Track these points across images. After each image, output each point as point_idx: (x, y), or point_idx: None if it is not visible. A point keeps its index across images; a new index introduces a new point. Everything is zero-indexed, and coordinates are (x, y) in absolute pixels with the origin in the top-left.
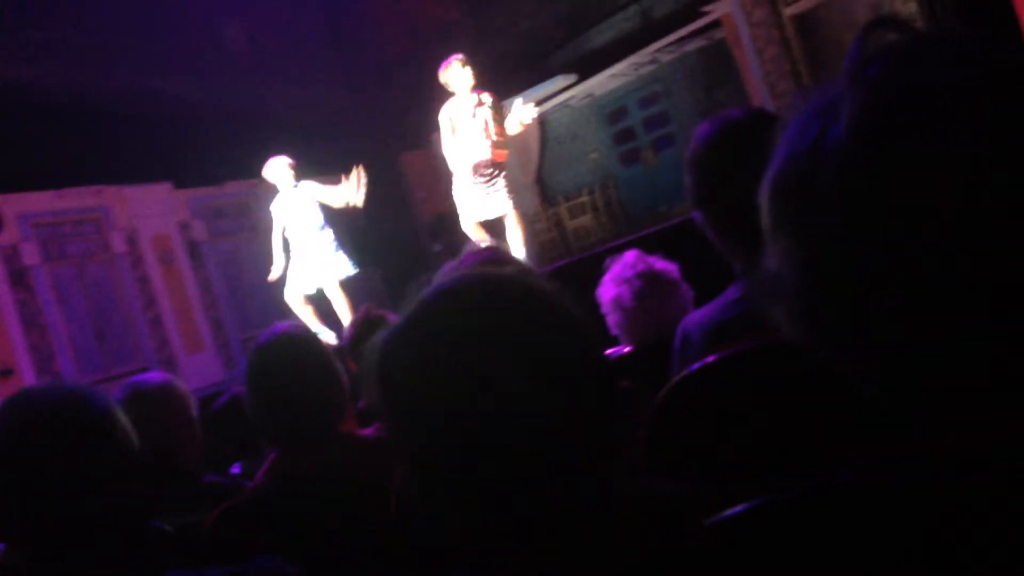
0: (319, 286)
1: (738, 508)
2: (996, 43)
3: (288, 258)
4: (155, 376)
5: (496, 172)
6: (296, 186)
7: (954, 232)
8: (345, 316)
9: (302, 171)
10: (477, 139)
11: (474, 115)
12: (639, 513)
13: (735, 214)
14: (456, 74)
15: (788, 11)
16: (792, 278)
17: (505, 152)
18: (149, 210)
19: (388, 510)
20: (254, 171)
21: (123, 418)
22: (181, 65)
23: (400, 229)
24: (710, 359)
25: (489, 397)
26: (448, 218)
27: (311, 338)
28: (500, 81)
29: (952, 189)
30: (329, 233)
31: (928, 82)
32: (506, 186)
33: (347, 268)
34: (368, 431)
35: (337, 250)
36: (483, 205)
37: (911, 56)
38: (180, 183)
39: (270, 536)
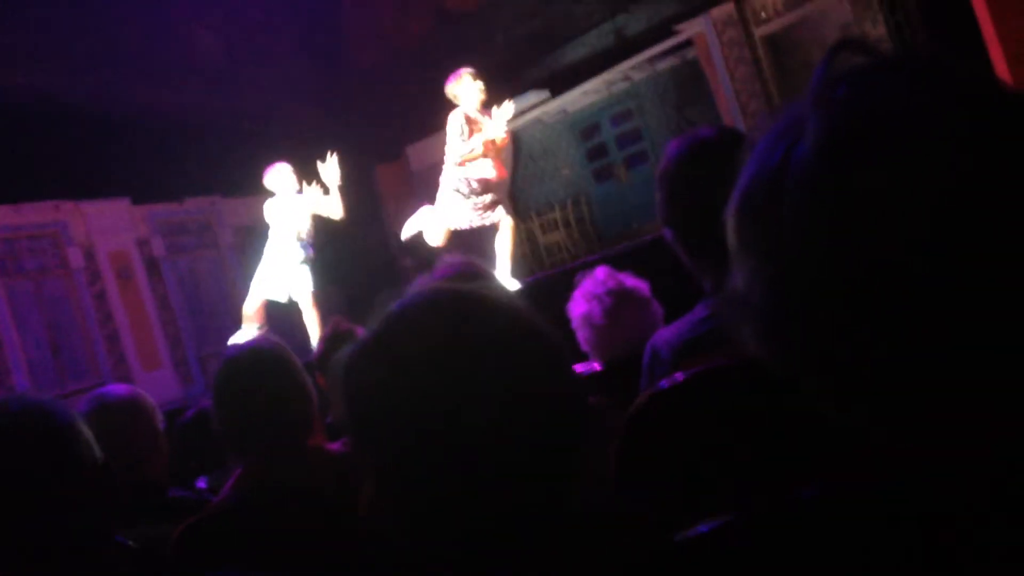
0: (291, 298)
1: (706, 525)
2: (960, 67)
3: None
4: (120, 388)
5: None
6: (300, 192)
7: (914, 253)
8: (314, 330)
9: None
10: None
11: (481, 130)
12: (607, 530)
13: (704, 232)
14: (466, 88)
15: (759, 31)
16: (757, 296)
17: (505, 171)
18: (107, 226)
19: (355, 525)
20: (215, 187)
21: (86, 431)
22: (153, 74)
23: (371, 242)
24: (679, 376)
25: (455, 412)
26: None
27: (280, 351)
28: None
29: (913, 211)
30: (309, 248)
31: (892, 105)
32: (503, 197)
33: (309, 284)
34: (336, 445)
35: (305, 264)
36: (471, 215)
37: (876, 79)
38: (139, 199)
39: (235, 551)
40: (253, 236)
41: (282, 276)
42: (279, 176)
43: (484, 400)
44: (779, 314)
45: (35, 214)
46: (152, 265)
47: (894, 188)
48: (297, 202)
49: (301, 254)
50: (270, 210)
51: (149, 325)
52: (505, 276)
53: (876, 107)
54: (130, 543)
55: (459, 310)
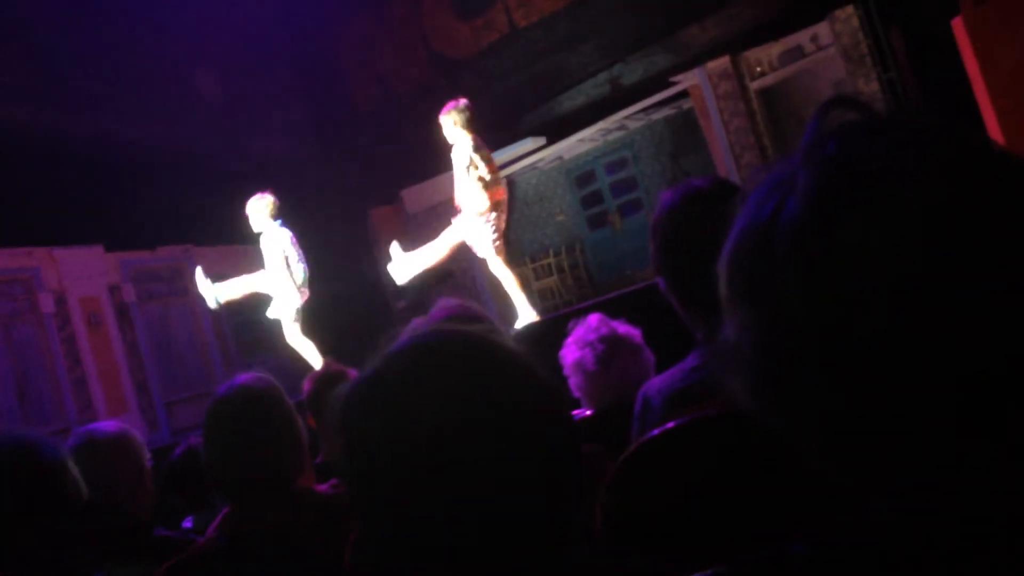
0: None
1: None
2: (949, 126)
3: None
4: (109, 425)
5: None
6: (279, 224)
7: (900, 310)
8: (309, 351)
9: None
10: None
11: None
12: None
13: (696, 282)
14: (466, 116)
15: (754, 84)
16: (747, 347)
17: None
18: (80, 272)
19: (342, 567)
20: (188, 235)
21: (73, 468)
22: (149, 114)
23: (365, 284)
24: (669, 425)
25: (450, 455)
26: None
27: (271, 391)
28: None
29: (897, 268)
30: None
31: (879, 164)
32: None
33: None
34: (325, 487)
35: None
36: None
37: (865, 137)
38: (112, 246)
39: None
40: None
41: (280, 297)
42: (256, 208)
43: (479, 443)
44: (768, 366)
45: (8, 260)
46: (122, 311)
47: (879, 245)
48: (276, 234)
49: (300, 275)
50: (263, 242)
51: (117, 371)
52: (524, 309)
53: (864, 166)
54: None
55: (457, 352)
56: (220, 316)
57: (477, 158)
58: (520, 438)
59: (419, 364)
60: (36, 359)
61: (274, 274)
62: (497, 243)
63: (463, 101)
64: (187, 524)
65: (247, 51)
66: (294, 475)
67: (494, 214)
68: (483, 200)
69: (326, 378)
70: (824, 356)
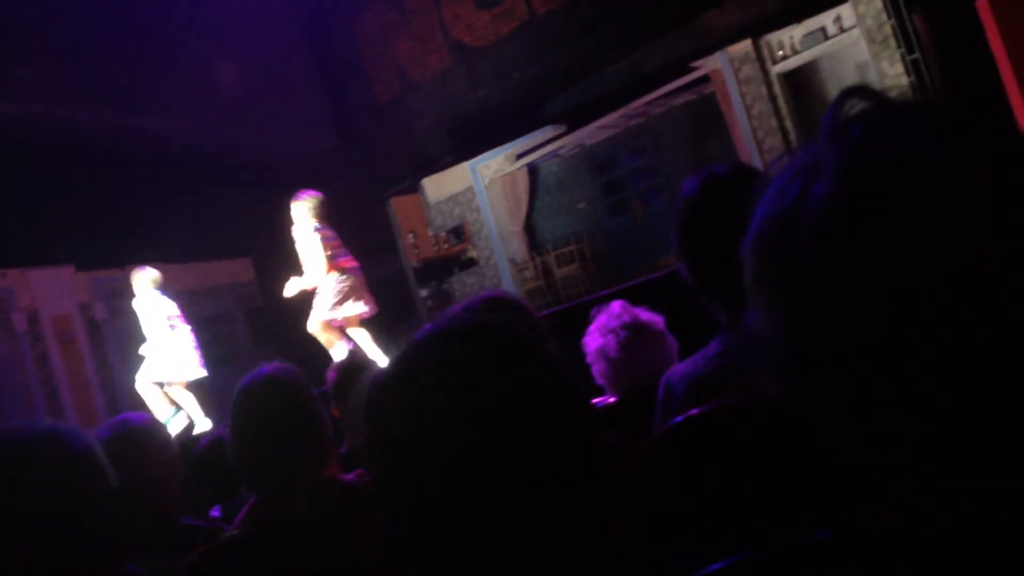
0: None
1: (716, 564)
2: (974, 112)
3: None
4: (140, 415)
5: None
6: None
7: (937, 292)
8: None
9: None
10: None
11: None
12: (619, 566)
13: (718, 268)
14: (300, 213)
15: (775, 68)
16: (774, 335)
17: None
18: (51, 291)
19: (367, 556)
20: (157, 254)
21: (102, 458)
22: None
23: (388, 274)
24: (691, 413)
25: (474, 445)
26: (436, 264)
27: (296, 381)
28: (490, 130)
29: (934, 249)
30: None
31: (907, 143)
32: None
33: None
34: (350, 477)
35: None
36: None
37: (890, 120)
38: (83, 266)
39: None
40: (195, 299)
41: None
42: (139, 279)
43: (502, 433)
44: (797, 353)
45: None
46: (94, 328)
47: (915, 225)
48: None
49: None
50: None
51: (88, 385)
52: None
53: (892, 146)
54: (141, 571)
55: (481, 342)
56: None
57: (316, 240)
58: (542, 428)
59: (443, 354)
60: (10, 375)
61: (156, 342)
62: (331, 312)
63: (317, 193)
64: (215, 513)
65: (264, 43)
66: (319, 465)
67: (336, 285)
68: (321, 271)
69: (350, 368)
70: (858, 337)
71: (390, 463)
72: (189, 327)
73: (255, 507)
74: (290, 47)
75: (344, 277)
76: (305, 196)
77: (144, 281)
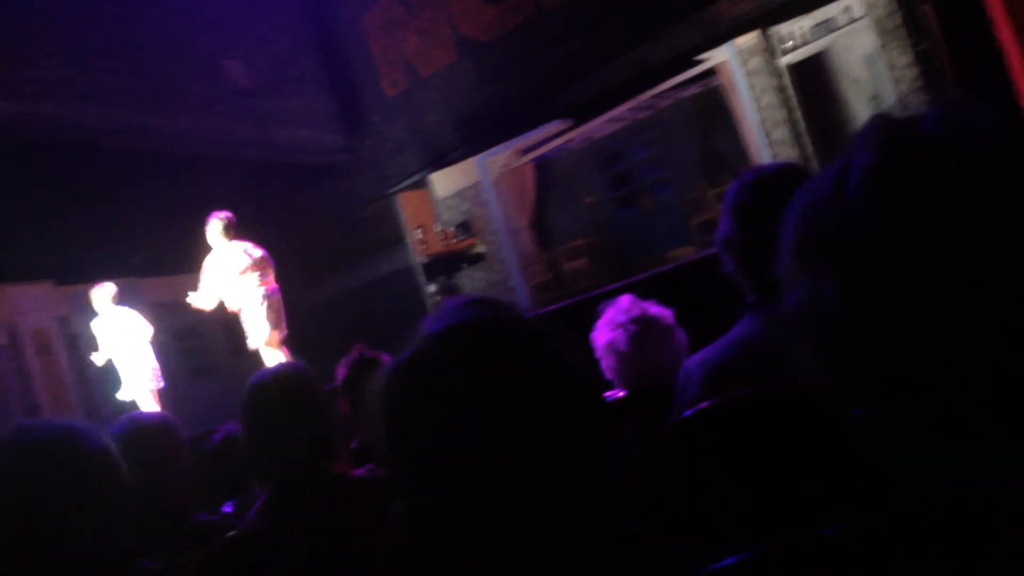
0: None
1: (728, 560)
2: (986, 114)
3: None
4: (151, 413)
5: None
6: (231, 244)
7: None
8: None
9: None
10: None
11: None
12: (630, 560)
13: (765, 249)
14: (215, 235)
15: (784, 60)
16: (824, 305)
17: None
18: (30, 306)
19: (379, 550)
20: (132, 269)
21: (115, 455)
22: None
23: (396, 269)
24: (703, 406)
25: (488, 435)
26: (445, 259)
27: (306, 377)
28: (497, 125)
29: (980, 210)
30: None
31: (946, 120)
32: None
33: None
34: (361, 472)
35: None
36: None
37: (919, 115)
38: (61, 281)
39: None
40: (171, 311)
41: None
42: (98, 295)
43: (517, 423)
44: (850, 319)
45: None
46: (72, 341)
47: (970, 182)
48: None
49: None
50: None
51: (67, 396)
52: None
53: (933, 122)
54: (154, 567)
55: (495, 333)
56: (164, 340)
57: (252, 258)
58: (557, 418)
59: (457, 345)
60: None
61: (123, 353)
62: (269, 331)
63: (225, 213)
64: (227, 509)
65: (272, 39)
66: (330, 459)
67: (265, 303)
68: (258, 291)
69: (360, 364)
70: (918, 301)
71: (407, 456)
72: (149, 337)
73: (267, 502)
74: (298, 44)
75: (273, 292)
76: (218, 216)
77: (103, 298)
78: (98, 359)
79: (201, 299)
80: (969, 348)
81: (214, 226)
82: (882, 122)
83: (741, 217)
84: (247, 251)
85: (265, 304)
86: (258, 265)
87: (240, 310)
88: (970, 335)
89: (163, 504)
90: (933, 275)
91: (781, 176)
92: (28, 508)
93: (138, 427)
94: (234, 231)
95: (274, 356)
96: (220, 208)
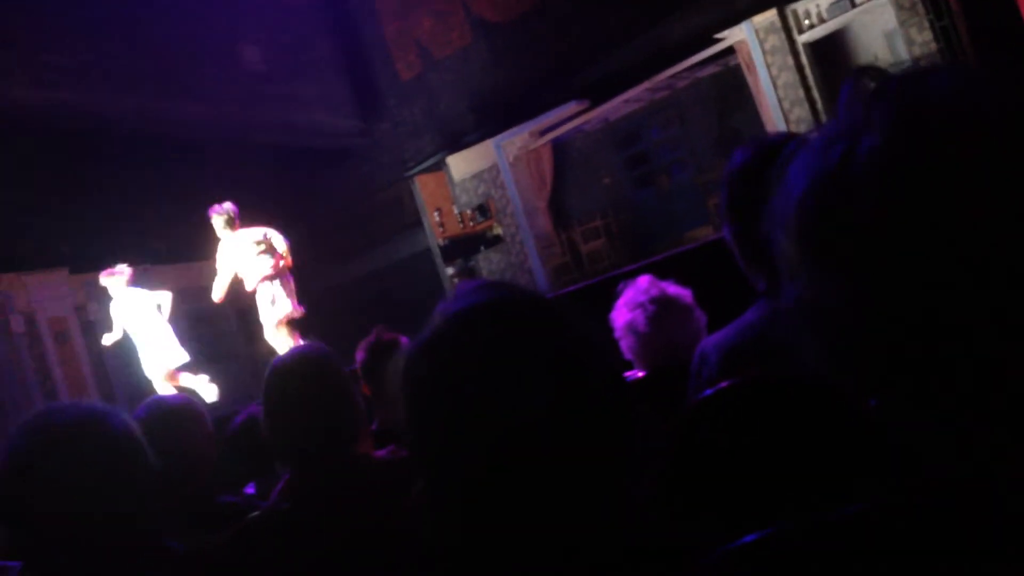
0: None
1: (749, 536)
2: (995, 75)
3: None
4: (175, 395)
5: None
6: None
7: (1000, 244)
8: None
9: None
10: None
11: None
12: (652, 536)
13: (765, 233)
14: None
15: (802, 38)
16: (830, 305)
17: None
18: (47, 294)
19: (401, 531)
20: (146, 256)
21: (141, 437)
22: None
23: (414, 252)
24: (722, 386)
25: (513, 413)
26: (462, 241)
27: (328, 358)
28: (514, 107)
29: (997, 194)
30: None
31: (950, 93)
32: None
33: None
34: (382, 453)
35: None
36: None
37: (924, 77)
38: (76, 269)
39: (284, 556)
40: (186, 298)
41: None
42: (112, 283)
43: (540, 402)
44: (858, 320)
45: None
46: (88, 328)
47: (986, 165)
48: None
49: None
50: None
51: (84, 382)
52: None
53: (937, 95)
54: (179, 547)
55: (518, 313)
56: (179, 326)
57: (275, 235)
58: (578, 397)
59: (478, 325)
60: (9, 374)
61: (141, 335)
62: (287, 311)
63: (225, 206)
64: (249, 490)
65: (288, 23)
66: (352, 441)
67: (279, 282)
68: (274, 271)
69: (379, 346)
70: (933, 297)
71: (429, 436)
72: (167, 314)
73: (290, 483)
74: (312, 28)
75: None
76: (217, 211)
77: (117, 283)
78: (108, 339)
79: (216, 291)
80: (995, 352)
81: (216, 221)
82: (886, 90)
83: (739, 199)
84: (254, 236)
85: (277, 282)
86: (268, 247)
87: (255, 292)
88: (998, 335)
89: (186, 485)
90: (954, 273)
91: (780, 150)
92: (55, 490)
93: (162, 410)
94: (237, 221)
95: (286, 339)
96: (234, 194)
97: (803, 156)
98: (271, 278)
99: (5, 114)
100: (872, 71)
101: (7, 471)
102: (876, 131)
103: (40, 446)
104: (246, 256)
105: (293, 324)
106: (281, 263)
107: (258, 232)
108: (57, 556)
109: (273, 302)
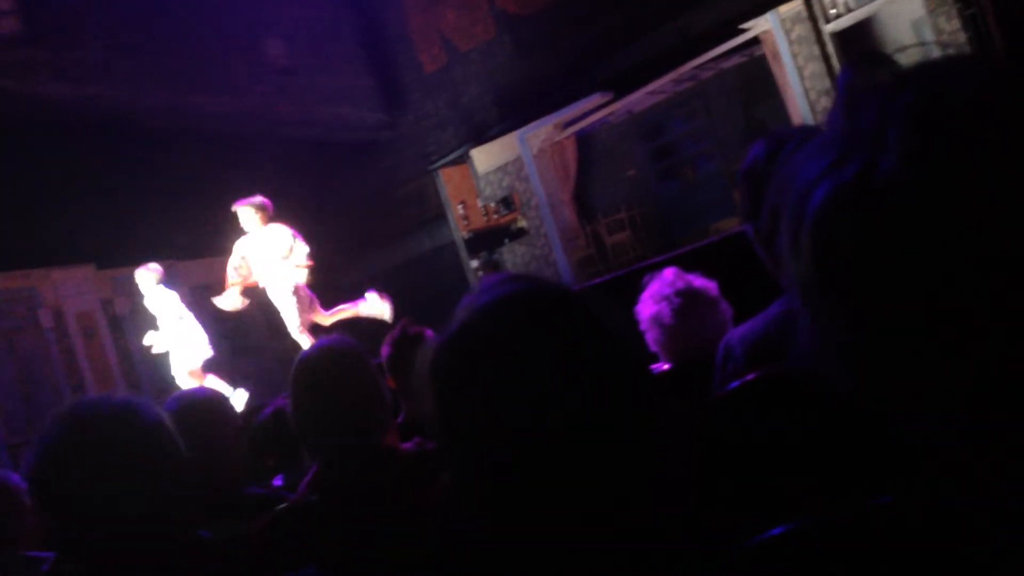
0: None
1: (777, 529)
2: (1005, 63)
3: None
4: (204, 388)
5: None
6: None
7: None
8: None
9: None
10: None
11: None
12: (682, 529)
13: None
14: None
15: (828, 27)
16: (851, 331)
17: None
18: (74, 289)
19: (427, 523)
20: (172, 252)
21: (172, 429)
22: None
23: (439, 245)
24: (748, 378)
25: (543, 405)
26: (487, 234)
27: (354, 351)
28: (538, 99)
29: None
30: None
31: (976, 101)
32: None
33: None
34: (408, 445)
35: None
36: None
37: (939, 79)
38: (103, 264)
39: (313, 547)
40: (209, 292)
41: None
42: (144, 278)
43: (568, 395)
44: (895, 349)
45: (10, 281)
46: (115, 323)
47: (1011, 180)
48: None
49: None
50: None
51: (111, 376)
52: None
53: (959, 105)
54: (210, 538)
55: (546, 305)
56: (203, 321)
57: (298, 243)
58: (607, 388)
59: (507, 316)
60: (38, 369)
61: (170, 333)
62: (304, 318)
63: (258, 198)
64: (277, 482)
65: (312, 17)
66: (379, 433)
67: (301, 293)
68: (300, 278)
69: (404, 339)
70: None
71: (458, 428)
72: (191, 313)
73: (318, 475)
74: (336, 21)
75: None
76: (251, 201)
77: (150, 279)
78: (151, 338)
79: (227, 301)
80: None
81: (247, 212)
82: (900, 99)
83: (758, 192)
84: (280, 238)
85: (300, 289)
86: (295, 250)
87: (276, 293)
88: None
89: (215, 477)
90: (979, 301)
91: (801, 142)
92: (89, 481)
93: (191, 403)
94: (268, 215)
95: (307, 340)
96: (259, 188)
97: (812, 157)
98: (291, 283)
99: (32, 110)
100: (875, 57)
101: (43, 462)
102: (893, 152)
103: (75, 437)
104: (273, 254)
105: (317, 330)
106: (303, 271)
107: (285, 234)
108: (92, 545)
109: (294, 307)
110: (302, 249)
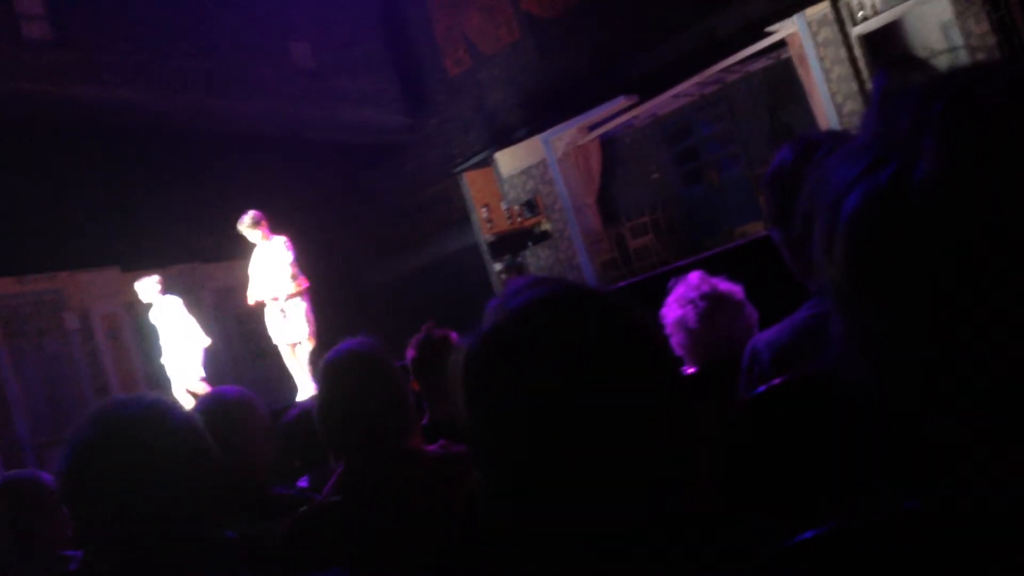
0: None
1: (806, 534)
2: None
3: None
4: (233, 389)
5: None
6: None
7: None
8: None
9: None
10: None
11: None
12: (711, 533)
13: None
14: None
15: (856, 30)
16: (900, 340)
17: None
18: (99, 292)
19: (451, 525)
20: (196, 255)
21: (203, 428)
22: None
23: (462, 248)
24: (776, 382)
25: (574, 407)
26: (511, 237)
27: (379, 354)
28: (562, 102)
29: None
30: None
31: (1002, 108)
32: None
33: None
34: (433, 448)
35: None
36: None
37: (971, 86)
38: (128, 267)
39: (338, 547)
40: (233, 296)
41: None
42: (145, 288)
43: (599, 396)
44: (934, 358)
45: (36, 284)
46: (140, 325)
47: None
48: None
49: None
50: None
51: (135, 378)
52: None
53: (992, 112)
54: (236, 538)
55: (577, 307)
56: (226, 324)
57: (291, 256)
58: (638, 389)
59: (537, 319)
60: (64, 370)
61: (172, 345)
62: (309, 329)
63: (252, 213)
64: (303, 483)
65: (337, 20)
66: (403, 435)
67: (303, 303)
68: (292, 288)
69: (429, 341)
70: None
71: (488, 431)
72: (192, 319)
73: (343, 476)
74: (362, 24)
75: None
76: (246, 216)
77: (151, 288)
78: (165, 351)
79: (253, 295)
80: None
81: (245, 229)
82: (935, 104)
83: (785, 197)
84: (276, 249)
85: (292, 302)
86: (292, 263)
87: (271, 303)
88: None
89: (243, 478)
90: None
91: (827, 147)
92: (118, 481)
93: (220, 403)
94: (267, 227)
95: (295, 363)
96: (283, 191)
97: (846, 162)
98: (283, 296)
99: (60, 113)
100: (910, 61)
101: (74, 461)
102: (928, 158)
103: (106, 437)
104: (273, 265)
105: (302, 350)
106: (294, 283)
107: (280, 245)
108: (120, 544)
109: (284, 321)
110: (287, 255)
